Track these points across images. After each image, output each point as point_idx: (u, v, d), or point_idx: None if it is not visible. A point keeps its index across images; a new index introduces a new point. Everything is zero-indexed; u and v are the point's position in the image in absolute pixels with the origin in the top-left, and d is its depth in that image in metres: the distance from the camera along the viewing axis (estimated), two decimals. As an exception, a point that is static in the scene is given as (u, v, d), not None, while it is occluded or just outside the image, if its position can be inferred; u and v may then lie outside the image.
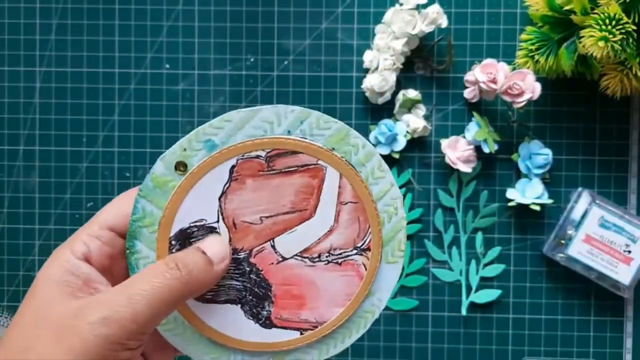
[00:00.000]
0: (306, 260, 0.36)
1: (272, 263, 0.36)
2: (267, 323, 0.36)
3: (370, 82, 0.57)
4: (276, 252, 0.36)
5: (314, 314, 0.36)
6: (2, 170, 0.60)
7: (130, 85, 0.59)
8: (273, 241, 0.36)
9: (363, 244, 0.36)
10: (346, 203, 0.36)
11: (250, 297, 0.36)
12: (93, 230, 0.34)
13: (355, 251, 0.36)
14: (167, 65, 0.59)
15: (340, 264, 0.36)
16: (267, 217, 0.36)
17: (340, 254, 0.36)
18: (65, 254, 0.32)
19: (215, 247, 0.34)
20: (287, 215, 0.36)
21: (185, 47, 0.59)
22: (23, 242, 0.60)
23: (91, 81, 0.59)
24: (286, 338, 0.36)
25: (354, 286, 0.36)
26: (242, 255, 0.36)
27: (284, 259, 0.36)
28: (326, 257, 0.36)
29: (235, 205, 0.35)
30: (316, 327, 0.36)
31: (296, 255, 0.36)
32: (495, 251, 0.59)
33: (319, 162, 0.35)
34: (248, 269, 0.36)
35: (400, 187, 0.59)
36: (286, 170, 0.35)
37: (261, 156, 0.35)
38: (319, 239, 0.36)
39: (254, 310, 0.36)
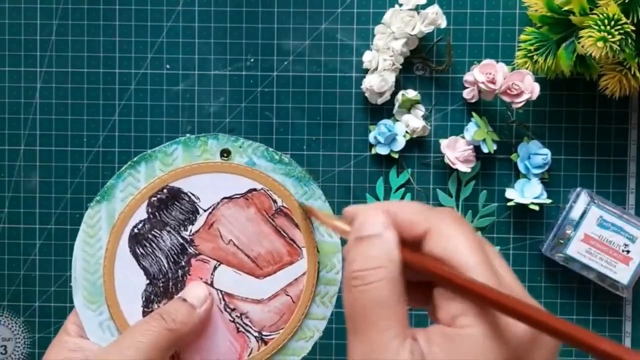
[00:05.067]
0: (223, 302, 0.37)
1: (201, 278, 0.37)
2: None
3: (370, 83, 0.57)
4: (211, 275, 0.37)
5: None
6: (3, 170, 0.60)
7: (130, 85, 0.59)
8: (219, 264, 0.37)
9: (268, 336, 0.37)
10: (288, 295, 0.37)
11: (160, 286, 0.37)
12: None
13: (257, 334, 0.37)
14: (168, 66, 0.59)
15: (238, 331, 0.37)
16: (235, 245, 0.37)
17: (246, 325, 0.37)
18: (62, 337, 0.38)
19: (194, 292, 0.37)
20: (246, 259, 0.37)
21: (185, 47, 0.59)
22: (24, 242, 0.60)
23: (92, 81, 0.59)
24: None
25: (232, 357, 0.37)
26: (191, 250, 0.37)
27: (211, 284, 0.37)
28: (236, 316, 0.37)
29: (227, 214, 0.37)
30: None
31: (220, 291, 0.37)
32: (494, 251, 0.59)
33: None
34: (183, 264, 0.37)
35: (400, 188, 0.59)
36: (280, 228, 0.37)
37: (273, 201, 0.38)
38: (246, 298, 0.37)
39: (156, 299, 0.38)
